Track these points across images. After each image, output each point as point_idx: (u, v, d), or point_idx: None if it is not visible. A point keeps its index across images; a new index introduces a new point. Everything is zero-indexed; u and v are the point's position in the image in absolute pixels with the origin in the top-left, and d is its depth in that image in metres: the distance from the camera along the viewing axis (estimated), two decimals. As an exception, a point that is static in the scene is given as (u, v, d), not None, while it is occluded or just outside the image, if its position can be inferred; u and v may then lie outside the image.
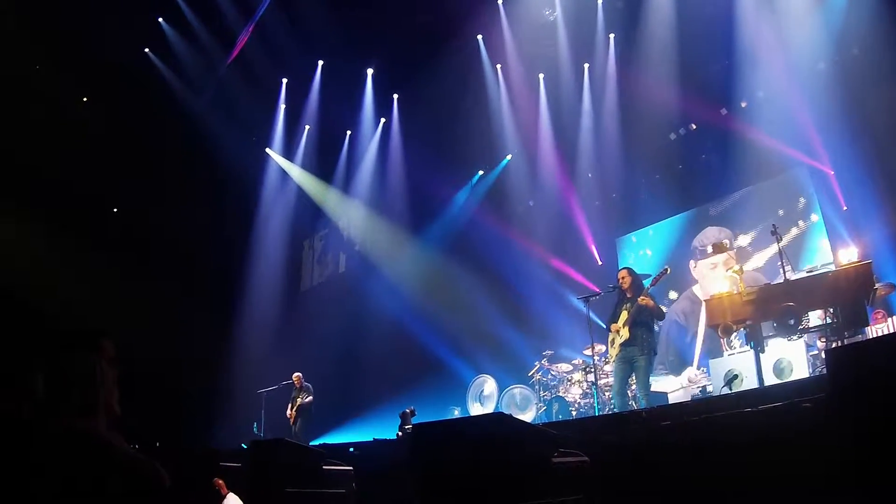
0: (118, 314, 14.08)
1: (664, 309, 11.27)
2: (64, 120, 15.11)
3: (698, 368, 14.09)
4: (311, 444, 13.37)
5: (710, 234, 15.39)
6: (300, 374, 15.28)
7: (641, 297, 9.81)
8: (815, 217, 13.61)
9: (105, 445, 2.78)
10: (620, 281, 10.27)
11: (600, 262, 17.33)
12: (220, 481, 8.52)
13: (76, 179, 15.17)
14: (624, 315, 9.93)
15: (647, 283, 10.46)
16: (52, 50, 14.50)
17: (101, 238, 15.69)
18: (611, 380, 11.72)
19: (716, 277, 14.71)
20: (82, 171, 15.26)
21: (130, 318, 14.23)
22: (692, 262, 15.60)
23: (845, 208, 13.08)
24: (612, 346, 10.16)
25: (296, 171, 19.24)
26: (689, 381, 13.52)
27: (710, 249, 15.21)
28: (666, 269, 10.45)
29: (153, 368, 13.97)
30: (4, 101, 13.88)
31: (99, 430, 2.84)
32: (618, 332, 9.97)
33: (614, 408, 10.62)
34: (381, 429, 13.76)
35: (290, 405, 15.08)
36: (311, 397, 15.01)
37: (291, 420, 14.98)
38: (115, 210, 17.25)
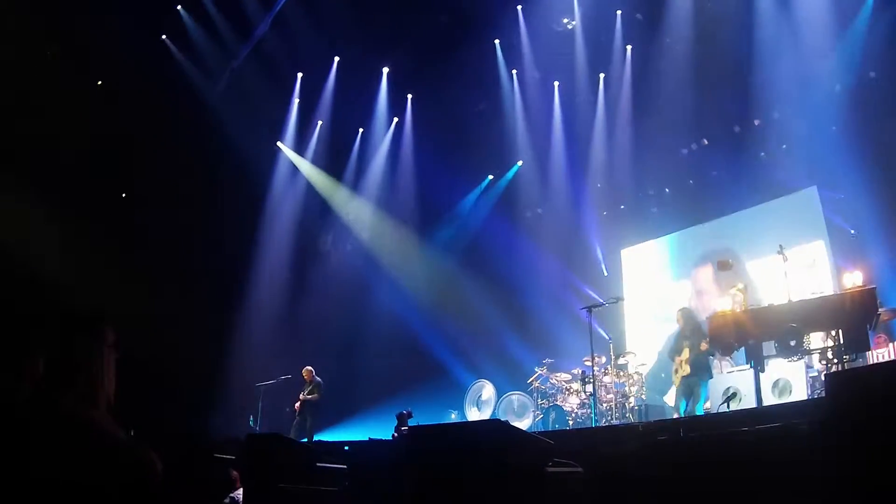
0: (119, 300, 14.05)
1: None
2: (76, 104, 15.11)
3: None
4: (303, 440, 13.39)
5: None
6: (311, 369, 15.08)
7: (703, 344, 10.70)
8: (822, 239, 13.57)
9: (104, 432, 2.78)
10: (677, 322, 11.42)
11: (606, 273, 17.32)
12: (237, 473, 8.54)
13: (84, 164, 15.17)
14: (686, 352, 10.96)
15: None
16: (67, 34, 14.51)
17: (106, 223, 15.66)
18: (609, 394, 12.95)
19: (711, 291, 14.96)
20: (91, 156, 15.27)
21: (132, 304, 14.20)
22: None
23: (853, 232, 13.05)
24: (675, 374, 11.21)
25: (306, 167, 19.22)
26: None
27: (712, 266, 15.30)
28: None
29: (152, 356, 13.95)
30: (16, 82, 13.88)
31: (98, 417, 2.84)
32: (681, 364, 11.02)
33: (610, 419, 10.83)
34: (378, 428, 13.75)
35: (298, 398, 14.97)
36: (317, 394, 14.86)
37: (297, 412, 14.87)
38: (123, 195, 17.24)
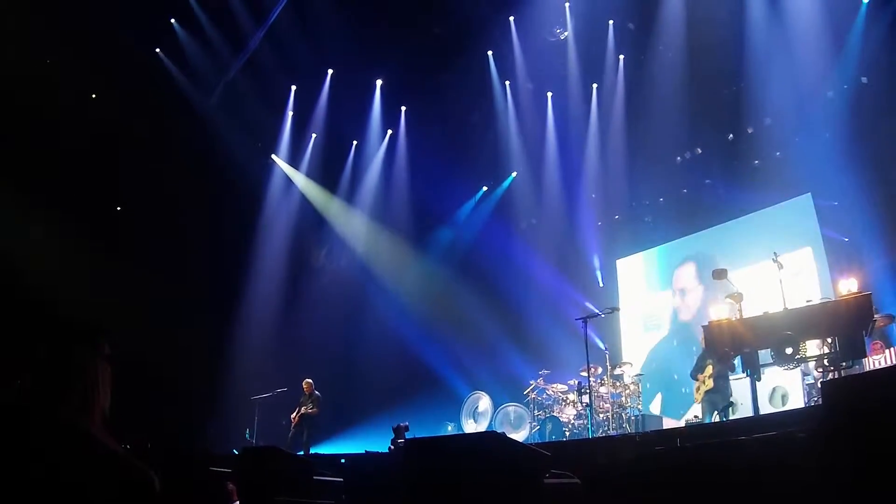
0: (116, 312, 14.01)
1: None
2: (71, 116, 15.09)
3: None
4: (300, 453, 13.33)
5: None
6: (311, 381, 14.93)
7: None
8: (817, 245, 13.56)
9: (99, 444, 2.76)
10: (701, 342, 11.66)
11: (601, 284, 17.32)
12: (233, 486, 8.47)
13: (80, 175, 15.15)
14: (709, 369, 11.18)
15: None
16: (63, 45, 14.49)
17: (102, 235, 15.63)
18: (605, 404, 13.10)
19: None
20: (87, 168, 15.25)
21: (128, 316, 14.16)
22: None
23: (846, 239, 13.06)
24: (697, 391, 11.48)
25: (300, 179, 19.21)
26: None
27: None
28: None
29: (148, 369, 13.91)
30: (12, 93, 13.86)
31: (94, 429, 2.83)
32: (704, 381, 11.30)
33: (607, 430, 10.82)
34: (374, 441, 13.70)
35: (296, 410, 14.85)
36: (316, 408, 14.67)
37: (293, 423, 14.78)
38: (119, 208, 17.21)
